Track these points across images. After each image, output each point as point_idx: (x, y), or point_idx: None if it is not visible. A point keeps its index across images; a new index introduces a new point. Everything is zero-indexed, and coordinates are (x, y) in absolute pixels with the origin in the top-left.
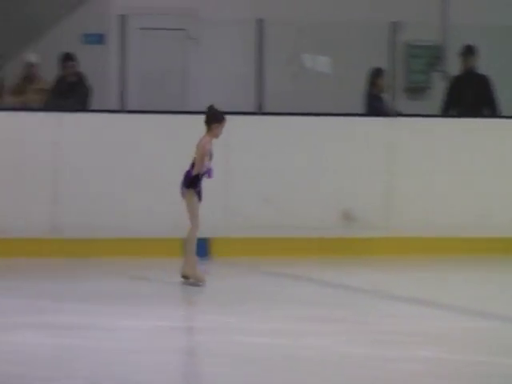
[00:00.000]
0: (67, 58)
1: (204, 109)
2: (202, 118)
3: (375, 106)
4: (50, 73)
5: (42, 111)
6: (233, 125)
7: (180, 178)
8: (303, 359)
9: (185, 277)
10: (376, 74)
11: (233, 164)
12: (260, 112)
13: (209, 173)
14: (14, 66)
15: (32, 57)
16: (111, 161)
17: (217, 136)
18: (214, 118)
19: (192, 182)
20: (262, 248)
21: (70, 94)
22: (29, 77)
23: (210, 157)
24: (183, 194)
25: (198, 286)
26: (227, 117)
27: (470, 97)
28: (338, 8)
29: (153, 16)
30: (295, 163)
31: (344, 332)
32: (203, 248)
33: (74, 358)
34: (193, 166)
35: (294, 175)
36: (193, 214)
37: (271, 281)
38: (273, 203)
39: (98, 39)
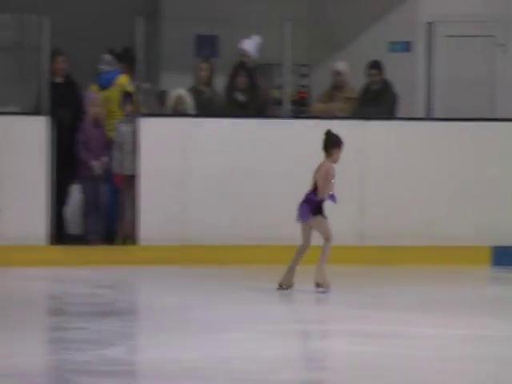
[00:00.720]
0: (373, 65)
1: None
2: (509, 125)
3: None
4: (358, 81)
5: (347, 119)
6: None
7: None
8: None
9: (317, 284)
10: None
11: None
12: None
13: (332, 198)
14: (323, 74)
15: (340, 65)
16: (416, 168)
17: (336, 161)
18: (333, 144)
19: (317, 208)
20: None
21: (375, 101)
22: (337, 85)
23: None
24: (303, 218)
25: (326, 292)
26: None
27: None
28: None
29: (459, 23)
30: None
31: None
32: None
33: (382, 367)
34: (314, 191)
35: None
36: (326, 234)
37: None
38: None
39: (405, 47)
